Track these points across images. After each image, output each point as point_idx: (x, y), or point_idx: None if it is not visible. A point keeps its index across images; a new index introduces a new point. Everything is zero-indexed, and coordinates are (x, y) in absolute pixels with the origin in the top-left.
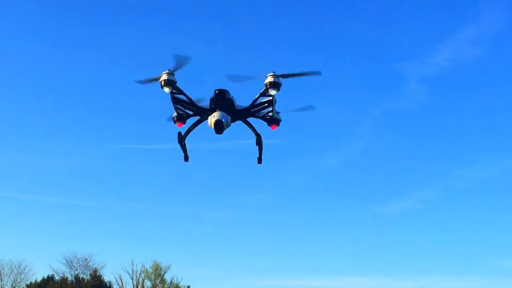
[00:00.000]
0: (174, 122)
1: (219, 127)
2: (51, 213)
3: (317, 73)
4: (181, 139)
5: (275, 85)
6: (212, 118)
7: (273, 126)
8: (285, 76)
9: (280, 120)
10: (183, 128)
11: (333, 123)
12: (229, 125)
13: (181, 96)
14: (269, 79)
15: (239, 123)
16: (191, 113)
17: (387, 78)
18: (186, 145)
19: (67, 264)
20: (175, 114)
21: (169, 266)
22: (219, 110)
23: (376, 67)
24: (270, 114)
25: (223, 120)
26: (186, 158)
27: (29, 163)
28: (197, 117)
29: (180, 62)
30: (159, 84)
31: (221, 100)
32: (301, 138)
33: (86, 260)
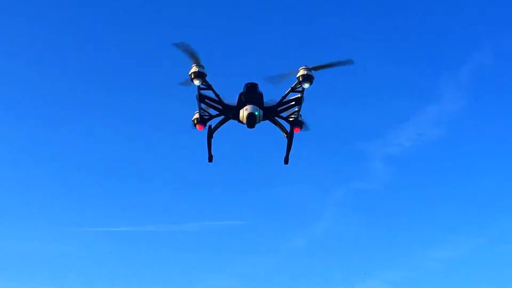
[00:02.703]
0: (194, 126)
1: (252, 120)
2: None
3: (350, 62)
4: (210, 133)
5: (308, 78)
6: (245, 111)
7: (297, 128)
8: (317, 68)
9: (304, 123)
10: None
11: (297, 203)
12: (261, 119)
13: (208, 93)
14: (302, 72)
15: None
16: (214, 113)
17: (351, 157)
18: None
19: None
20: (196, 116)
21: None
22: (250, 104)
23: (339, 146)
24: (294, 115)
25: (256, 113)
26: (210, 159)
27: None
28: (219, 118)
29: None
30: (189, 77)
31: (253, 93)
32: (264, 219)
33: None
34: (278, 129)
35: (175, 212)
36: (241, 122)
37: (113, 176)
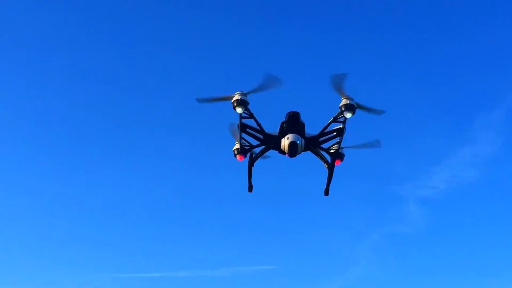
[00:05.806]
0: (235, 156)
1: (294, 149)
2: None
3: (382, 111)
4: (251, 162)
5: (350, 107)
6: (286, 140)
7: (338, 161)
8: (359, 107)
9: (344, 156)
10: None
11: (331, 247)
12: (303, 149)
13: (249, 122)
14: (344, 101)
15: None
16: (255, 144)
17: (385, 201)
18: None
19: None
20: (236, 146)
21: None
22: (291, 133)
23: (373, 189)
24: (335, 147)
25: (298, 142)
26: (250, 188)
27: None
28: (259, 148)
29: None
30: (231, 105)
31: (295, 122)
32: (297, 263)
33: None
34: (317, 162)
35: (208, 257)
36: (282, 152)
37: (146, 220)
